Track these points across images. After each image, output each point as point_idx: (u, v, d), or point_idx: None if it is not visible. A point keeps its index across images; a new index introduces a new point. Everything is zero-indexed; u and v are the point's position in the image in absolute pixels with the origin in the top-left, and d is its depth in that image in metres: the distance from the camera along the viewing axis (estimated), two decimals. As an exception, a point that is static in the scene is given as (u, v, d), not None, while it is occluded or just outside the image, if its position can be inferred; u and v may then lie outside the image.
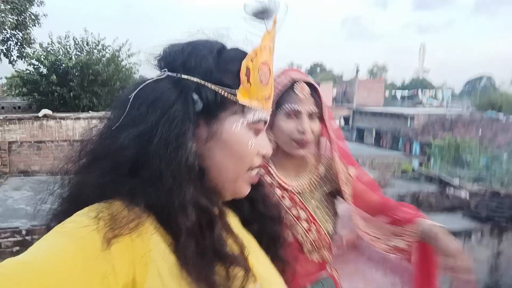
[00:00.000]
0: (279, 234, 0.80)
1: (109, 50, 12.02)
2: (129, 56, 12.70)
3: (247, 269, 0.62)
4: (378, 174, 8.74)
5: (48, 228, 0.57)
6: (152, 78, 0.63)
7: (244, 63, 0.64)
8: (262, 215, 0.78)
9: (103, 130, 0.63)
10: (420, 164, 12.86)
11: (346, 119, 29.60)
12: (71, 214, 0.56)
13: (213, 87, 0.62)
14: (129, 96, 0.61)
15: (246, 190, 0.70)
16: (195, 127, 0.61)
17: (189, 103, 0.61)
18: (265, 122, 0.69)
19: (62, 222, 0.55)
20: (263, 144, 0.69)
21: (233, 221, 0.73)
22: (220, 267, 0.60)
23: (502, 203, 5.95)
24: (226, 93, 0.62)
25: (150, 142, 0.58)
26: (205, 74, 0.62)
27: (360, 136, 23.81)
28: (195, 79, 0.62)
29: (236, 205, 0.75)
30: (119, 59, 12.33)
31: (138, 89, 0.62)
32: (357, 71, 29.12)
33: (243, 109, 0.64)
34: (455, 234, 5.48)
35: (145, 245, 0.56)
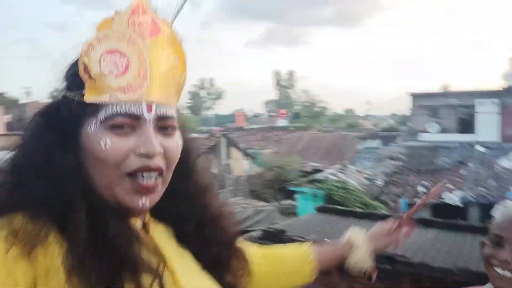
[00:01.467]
0: (226, 259, 0.78)
1: None
2: None
3: (161, 278, 0.62)
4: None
5: None
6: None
7: (80, 62, 0.62)
8: (208, 237, 0.76)
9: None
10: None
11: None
12: None
13: (69, 94, 0.64)
14: None
15: (131, 200, 0.64)
16: (63, 138, 0.63)
17: (50, 116, 0.65)
18: (136, 116, 0.62)
19: None
20: (140, 143, 0.62)
21: (163, 235, 0.73)
22: (127, 274, 0.59)
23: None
24: (73, 97, 0.63)
25: (25, 157, 0.63)
26: (64, 86, 0.66)
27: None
28: (56, 96, 0.67)
29: (178, 222, 0.75)
30: None
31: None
32: (28, 94, 26.45)
33: (96, 108, 0.61)
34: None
35: (47, 257, 0.56)
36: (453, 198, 11.99)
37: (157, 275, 0.62)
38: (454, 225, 7.09)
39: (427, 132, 18.17)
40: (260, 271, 0.90)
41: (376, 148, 20.26)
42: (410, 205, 11.67)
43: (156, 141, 0.63)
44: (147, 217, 0.73)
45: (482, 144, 14.94)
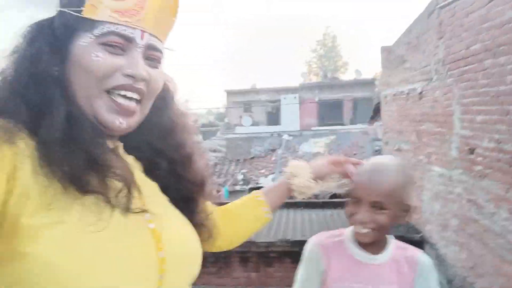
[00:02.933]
0: (196, 198, 0.82)
1: None
2: None
3: (129, 185, 0.65)
4: None
5: None
6: None
7: None
8: (179, 175, 0.79)
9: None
10: None
11: None
12: None
13: (61, 9, 0.66)
14: None
15: (109, 116, 0.67)
16: (52, 45, 0.66)
17: (43, 26, 0.67)
18: (129, 39, 0.67)
19: None
20: (128, 64, 0.67)
21: (132, 165, 0.74)
22: (95, 174, 0.62)
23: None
24: (71, 11, 0.64)
25: (14, 61, 0.65)
26: (61, 3, 0.67)
27: None
28: (49, 11, 0.67)
29: (150, 156, 0.78)
30: None
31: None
32: None
33: (92, 25, 0.65)
34: None
35: (15, 155, 0.58)
36: (267, 181, 13.39)
37: (127, 183, 0.65)
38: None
39: (242, 125, 19.74)
40: (219, 225, 0.93)
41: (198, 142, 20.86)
42: (231, 192, 12.52)
43: (143, 66, 0.68)
44: (118, 145, 0.75)
45: (287, 133, 17.15)
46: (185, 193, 0.80)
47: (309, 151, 14.82)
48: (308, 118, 19.17)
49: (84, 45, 0.65)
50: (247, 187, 13.28)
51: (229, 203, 1.06)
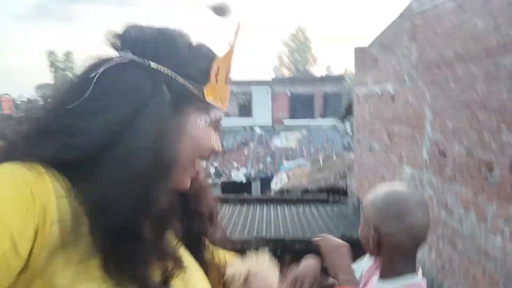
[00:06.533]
0: (206, 233, 0.80)
1: None
2: None
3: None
4: None
5: None
6: (112, 61, 0.60)
7: (216, 62, 0.67)
8: (192, 211, 0.77)
9: (51, 105, 0.61)
10: None
11: None
12: None
13: (182, 81, 0.63)
14: (91, 76, 0.59)
15: (188, 183, 0.70)
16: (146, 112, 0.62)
17: (165, 96, 0.61)
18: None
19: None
20: (217, 141, 0.71)
21: None
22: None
23: None
24: (194, 89, 0.64)
25: (124, 132, 0.57)
26: (176, 66, 0.63)
27: None
28: (166, 71, 0.62)
29: None
30: None
31: (100, 71, 0.59)
32: None
33: (207, 107, 0.66)
34: None
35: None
36: (239, 175, 13.39)
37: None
38: (244, 199, 7.91)
39: (213, 117, 19.57)
40: None
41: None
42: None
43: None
44: None
45: (259, 125, 17.18)
46: (196, 230, 0.77)
47: (281, 146, 14.91)
48: (280, 111, 19.25)
49: (201, 126, 0.67)
50: (219, 181, 13.24)
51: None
